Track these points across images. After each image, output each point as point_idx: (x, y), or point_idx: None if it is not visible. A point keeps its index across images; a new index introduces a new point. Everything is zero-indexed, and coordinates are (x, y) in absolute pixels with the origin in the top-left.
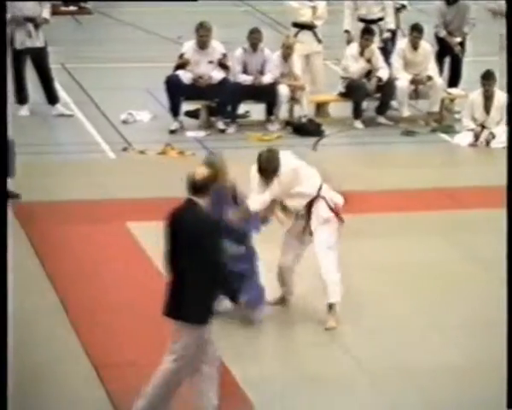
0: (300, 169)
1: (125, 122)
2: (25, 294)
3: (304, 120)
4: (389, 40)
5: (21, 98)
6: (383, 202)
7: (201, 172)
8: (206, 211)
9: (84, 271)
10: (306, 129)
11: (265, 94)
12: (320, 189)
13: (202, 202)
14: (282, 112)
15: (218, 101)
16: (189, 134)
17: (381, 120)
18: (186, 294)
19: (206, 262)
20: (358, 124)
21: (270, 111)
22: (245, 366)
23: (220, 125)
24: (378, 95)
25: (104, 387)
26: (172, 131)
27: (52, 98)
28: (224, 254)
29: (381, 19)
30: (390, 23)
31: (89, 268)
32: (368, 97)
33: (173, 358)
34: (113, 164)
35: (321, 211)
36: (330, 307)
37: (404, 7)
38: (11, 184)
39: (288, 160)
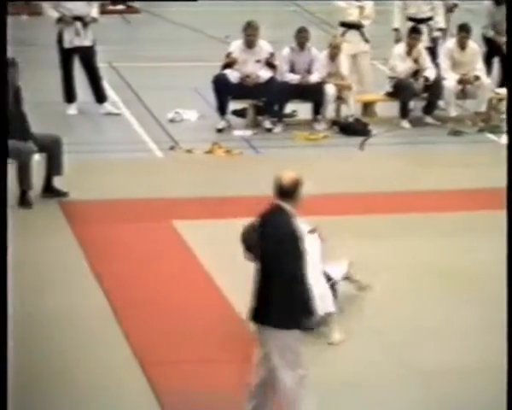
0: None
1: (172, 121)
2: (71, 292)
3: (350, 119)
4: (439, 40)
5: (69, 97)
6: (429, 203)
7: (288, 176)
8: (291, 216)
9: (131, 269)
10: (353, 128)
11: (312, 93)
12: None
13: (289, 206)
14: (329, 111)
15: (265, 100)
16: (236, 133)
17: (428, 119)
18: (271, 299)
19: (287, 269)
20: (405, 123)
21: (317, 110)
22: None
23: (267, 124)
24: (425, 95)
25: (151, 385)
26: (219, 130)
27: (100, 97)
28: (303, 264)
29: (430, 18)
30: (440, 22)
31: (135, 266)
32: (415, 97)
33: (275, 367)
34: (161, 163)
35: None
36: (326, 319)
37: (455, 6)
38: (59, 183)
39: None
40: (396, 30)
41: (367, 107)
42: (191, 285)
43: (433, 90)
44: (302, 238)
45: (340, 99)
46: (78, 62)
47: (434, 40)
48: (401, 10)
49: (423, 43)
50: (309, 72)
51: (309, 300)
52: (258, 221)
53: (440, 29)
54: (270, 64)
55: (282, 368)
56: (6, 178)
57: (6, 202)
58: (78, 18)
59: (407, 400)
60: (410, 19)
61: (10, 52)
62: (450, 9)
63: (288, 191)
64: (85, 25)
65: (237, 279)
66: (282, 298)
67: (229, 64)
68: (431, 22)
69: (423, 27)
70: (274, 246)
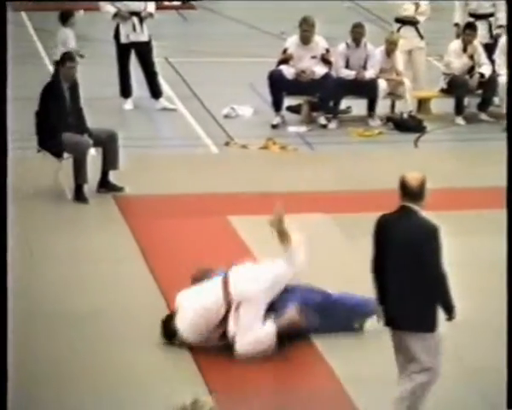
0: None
1: (227, 116)
2: (127, 288)
3: (405, 115)
4: (500, 37)
5: (126, 92)
6: (483, 199)
7: (415, 177)
8: (423, 218)
9: (186, 264)
10: (408, 125)
11: (367, 89)
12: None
13: (418, 208)
14: (381, 107)
15: (320, 96)
16: (291, 129)
17: (483, 116)
18: (407, 302)
19: (426, 270)
20: (460, 120)
21: (372, 107)
22: (348, 368)
23: (322, 120)
24: (480, 91)
25: (206, 382)
26: (274, 126)
27: (156, 92)
28: (443, 263)
29: (491, 14)
30: (501, 19)
31: (191, 261)
32: (470, 94)
33: (412, 373)
34: (216, 158)
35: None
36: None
37: None
38: (115, 178)
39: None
40: (457, 25)
41: (422, 103)
42: None
43: (488, 86)
44: (439, 238)
45: (393, 95)
46: (135, 57)
47: (495, 37)
48: (462, 6)
49: (480, 39)
50: (364, 68)
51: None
52: (379, 224)
53: (501, 26)
54: (325, 60)
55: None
56: (6, 175)
57: (6, 199)
58: (134, 13)
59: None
60: (471, 14)
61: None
62: None
63: (416, 193)
64: (142, 20)
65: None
66: (419, 300)
67: (284, 60)
68: (492, 19)
69: (483, 23)
70: (407, 249)
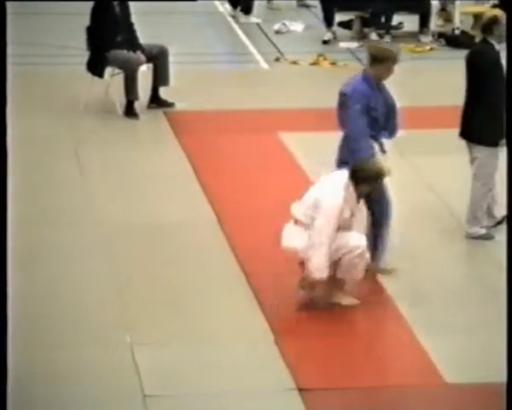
0: None
1: (278, 32)
2: (178, 204)
3: (457, 32)
4: None
5: None
6: None
7: None
8: None
9: (237, 180)
10: (460, 41)
11: (419, 5)
12: None
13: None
14: (435, 23)
15: (372, 11)
16: (342, 45)
17: None
18: None
19: None
20: None
21: (424, 22)
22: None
23: (373, 36)
24: None
25: (255, 295)
26: (325, 42)
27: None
28: None
29: None
30: None
31: (241, 177)
32: None
33: None
34: (266, 74)
35: None
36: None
37: None
38: (165, 93)
39: None
40: None
41: (477, 19)
42: (297, 196)
43: None
44: None
45: (445, 11)
46: None
47: None
48: None
49: None
50: None
51: None
52: None
53: None
54: None
55: None
56: (6, 173)
57: (6, 198)
58: None
59: None
60: None
61: None
62: None
63: None
64: None
65: None
66: None
67: None
68: None
69: None
70: None
